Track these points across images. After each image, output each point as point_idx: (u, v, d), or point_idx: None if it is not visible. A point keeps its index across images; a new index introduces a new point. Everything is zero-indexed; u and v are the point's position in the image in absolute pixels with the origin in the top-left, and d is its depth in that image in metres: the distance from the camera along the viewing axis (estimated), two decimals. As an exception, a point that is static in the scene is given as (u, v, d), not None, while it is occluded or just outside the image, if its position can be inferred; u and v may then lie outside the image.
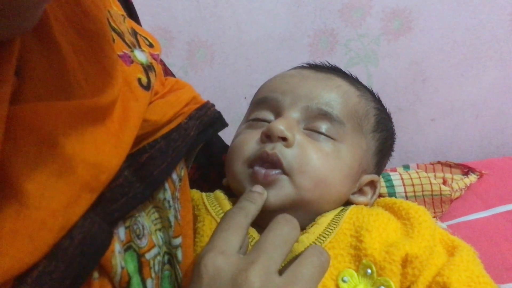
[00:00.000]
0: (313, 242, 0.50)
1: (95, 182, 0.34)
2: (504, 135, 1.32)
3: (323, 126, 0.56)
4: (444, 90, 1.26)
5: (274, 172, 0.52)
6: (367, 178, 0.60)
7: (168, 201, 0.45)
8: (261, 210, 0.52)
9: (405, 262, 0.48)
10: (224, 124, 0.55)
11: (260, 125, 0.58)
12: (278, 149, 0.53)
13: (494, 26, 1.20)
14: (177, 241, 0.45)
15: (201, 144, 0.53)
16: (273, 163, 0.52)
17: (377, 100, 0.65)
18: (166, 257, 0.45)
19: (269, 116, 0.59)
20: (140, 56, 0.45)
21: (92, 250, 0.34)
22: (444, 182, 1.09)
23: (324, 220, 0.53)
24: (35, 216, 0.30)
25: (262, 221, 0.54)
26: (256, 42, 1.18)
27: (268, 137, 0.54)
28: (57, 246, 0.32)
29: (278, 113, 0.58)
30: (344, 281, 0.48)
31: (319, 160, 0.53)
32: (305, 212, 0.54)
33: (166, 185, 0.44)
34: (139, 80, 0.42)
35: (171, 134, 0.45)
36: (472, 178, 1.12)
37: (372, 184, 0.61)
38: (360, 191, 0.60)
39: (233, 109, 1.19)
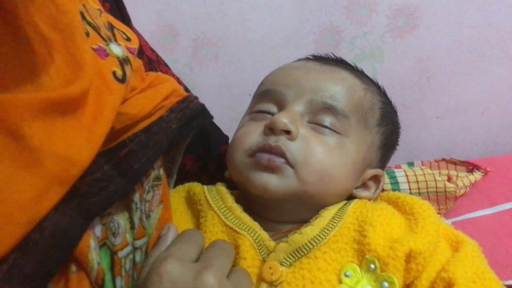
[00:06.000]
0: (317, 235, 0.50)
1: (65, 175, 0.34)
2: (509, 133, 1.32)
3: (328, 120, 0.55)
4: (450, 88, 1.26)
5: (279, 160, 0.52)
6: (371, 172, 0.59)
7: (136, 203, 0.44)
8: (263, 199, 0.53)
9: (409, 258, 0.48)
10: (208, 117, 0.54)
11: (263, 117, 0.58)
12: (281, 142, 0.52)
13: (501, 23, 1.19)
14: (138, 243, 0.45)
15: (187, 137, 0.53)
16: (277, 155, 0.52)
17: (382, 93, 0.65)
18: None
19: (273, 108, 0.59)
20: (116, 49, 0.44)
21: (64, 242, 0.34)
22: (449, 179, 1.08)
23: (327, 214, 0.53)
24: (2, 210, 0.30)
25: (264, 212, 0.54)
26: (261, 39, 1.18)
27: (271, 130, 0.53)
28: (27, 239, 0.32)
29: (281, 106, 0.58)
30: (346, 275, 0.48)
31: (323, 154, 0.53)
32: (308, 204, 0.54)
33: (135, 187, 0.44)
34: (114, 73, 0.42)
35: (152, 127, 0.45)
36: (477, 175, 1.12)
37: (376, 179, 0.61)
38: (364, 185, 0.60)
39: (238, 106, 1.19)
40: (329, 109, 0.56)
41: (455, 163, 1.17)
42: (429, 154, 1.31)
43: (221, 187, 0.58)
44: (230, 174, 0.60)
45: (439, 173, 1.11)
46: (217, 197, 0.57)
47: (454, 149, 1.32)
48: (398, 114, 0.69)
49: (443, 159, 1.19)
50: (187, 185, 0.61)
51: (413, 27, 1.19)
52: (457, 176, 1.11)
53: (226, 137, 0.73)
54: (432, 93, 1.26)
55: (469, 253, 0.49)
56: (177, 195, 0.60)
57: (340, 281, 0.48)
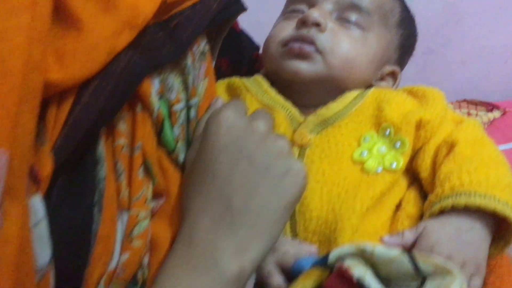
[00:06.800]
0: (341, 109, 0.59)
1: (134, 21, 0.44)
2: (531, 79, 1.35)
3: (353, 17, 0.63)
4: (476, 33, 1.29)
5: (309, 47, 0.60)
6: (389, 68, 0.67)
7: (189, 68, 0.53)
8: (294, 83, 0.61)
9: (419, 125, 0.56)
10: (243, 8, 0.60)
11: (296, 15, 0.65)
12: (312, 33, 0.60)
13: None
14: (193, 101, 0.54)
15: (224, 29, 0.60)
16: (308, 43, 0.60)
17: (402, 1, 0.72)
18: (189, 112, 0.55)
19: (304, 8, 0.66)
20: None
21: (134, 75, 0.44)
22: (468, 116, 1.15)
23: (351, 94, 0.61)
24: (90, 39, 0.40)
25: (295, 96, 0.63)
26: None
27: (303, 23, 0.61)
28: (107, 67, 0.42)
29: (312, 5, 0.65)
30: (365, 140, 0.56)
31: (348, 44, 0.61)
32: (333, 88, 0.62)
33: (187, 52, 0.52)
34: None
35: (196, 6, 0.53)
36: (496, 113, 1.18)
37: (393, 75, 0.68)
38: (382, 79, 0.67)
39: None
40: (354, 7, 0.63)
41: (475, 103, 1.23)
42: (452, 98, 1.35)
43: (258, 77, 0.66)
44: (265, 65, 0.68)
45: (460, 111, 1.17)
46: (254, 84, 0.65)
47: (477, 94, 1.36)
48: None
49: (464, 100, 1.24)
50: (227, 79, 0.70)
51: (444, -31, 1.22)
52: (476, 114, 1.17)
53: (258, 46, 0.81)
54: (457, 38, 1.30)
55: (470, 124, 0.58)
56: (219, 86, 0.68)
57: (360, 145, 0.56)
